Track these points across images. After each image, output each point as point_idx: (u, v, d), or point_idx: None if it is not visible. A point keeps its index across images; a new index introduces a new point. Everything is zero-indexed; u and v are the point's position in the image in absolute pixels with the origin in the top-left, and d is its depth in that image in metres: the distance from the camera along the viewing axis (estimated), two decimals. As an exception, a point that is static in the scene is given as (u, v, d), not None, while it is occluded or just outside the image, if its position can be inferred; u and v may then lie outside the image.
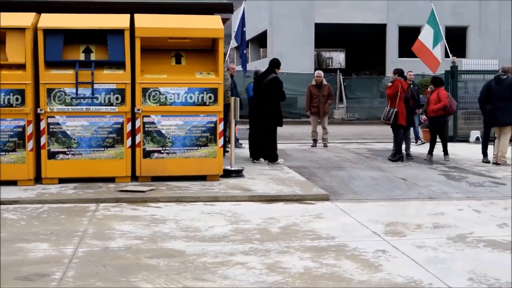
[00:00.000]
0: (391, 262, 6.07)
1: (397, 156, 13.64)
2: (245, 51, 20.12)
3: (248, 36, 24.50)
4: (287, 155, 14.46)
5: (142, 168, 10.15)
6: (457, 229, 7.44)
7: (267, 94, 12.68)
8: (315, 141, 16.93)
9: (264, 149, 12.92)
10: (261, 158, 12.95)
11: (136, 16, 10.27)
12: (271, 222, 7.72)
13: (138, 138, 10.09)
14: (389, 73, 24.09)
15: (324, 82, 16.93)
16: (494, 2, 38.46)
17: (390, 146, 14.54)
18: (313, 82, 16.85)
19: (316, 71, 17.60)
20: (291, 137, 19.90)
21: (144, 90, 10.08)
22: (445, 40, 19.39)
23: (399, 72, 13.69)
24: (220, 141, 10.36)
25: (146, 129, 10.10)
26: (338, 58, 53.89)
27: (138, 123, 10.09)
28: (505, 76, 12.91)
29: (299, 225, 7.55)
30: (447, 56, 19.81)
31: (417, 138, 17.71)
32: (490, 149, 13.53)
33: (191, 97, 10.20)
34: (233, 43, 20.61)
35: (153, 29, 10.19)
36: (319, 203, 8.97)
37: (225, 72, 12.59)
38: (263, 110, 12.70)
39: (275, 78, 12.79)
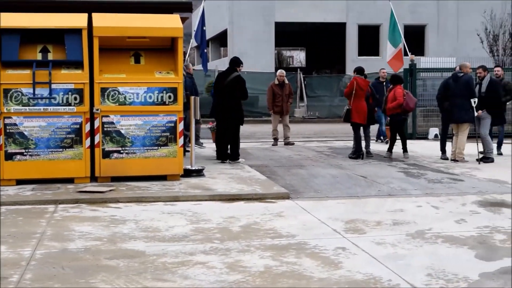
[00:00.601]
0: (351, 259, 6.10)
1: (357, 153, 13.74)
2: (205, 50, 20.10)
3: (208, 35, 24.45)
4: (248, 154, 14.47)
5: (102, 169, 10.05)
6: (416, 225, 7.52)
7: (229, 93, 12.63)
8: (276, 139, 16.97)
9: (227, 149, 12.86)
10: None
11: (94, 15, 10.16)
12: (232, 221, 7.71)
13: (97, 138, 10.00)
14: (349, 71, 24.31)
15: (286, 81, 17.00)
16: (452, 2, 39.04)
17: (351, 144, 14.64)
18: (276, 81, 16.89)
19: (279, 70, 17.67)
20: (252, 136, 19.92)
21: (103, 90, 9.99)
22: (403, 39, 19.58)
23: (357, 70, 13.83)
24: (180, 141, 10.31)
25: (105, 129, 10.01)
26: (298, 56, 54.06)
27: (97, 123, 9.99)
28: (462, 74, 13.07)
29: (259, 224, 7.56)
30: (405, 54, 20.03)
31: (379, 136, 17.77)
32: (449, 146, 13.72)
33: (150, 97, 10.13)
34: (193, 42, 20.56)
35: (111, 28, 10.10)
36: (279, 202, 8.99)
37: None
38: (225, 109, 12.65)
39: (238, 77, 12.74)
